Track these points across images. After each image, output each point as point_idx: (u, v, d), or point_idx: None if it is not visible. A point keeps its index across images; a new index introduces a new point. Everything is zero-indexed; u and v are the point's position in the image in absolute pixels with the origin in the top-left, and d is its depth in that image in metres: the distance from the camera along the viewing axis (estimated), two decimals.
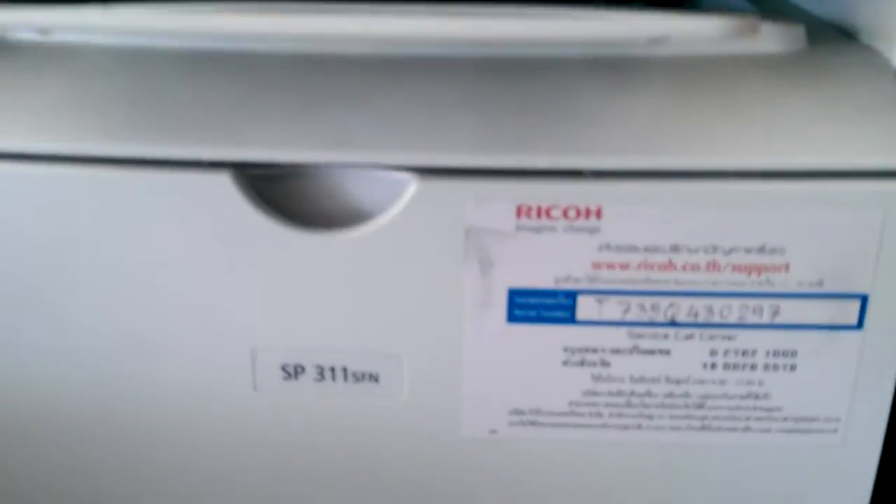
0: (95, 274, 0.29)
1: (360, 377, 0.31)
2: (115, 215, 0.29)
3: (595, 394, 0.31)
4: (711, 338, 0.30)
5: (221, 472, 0.33)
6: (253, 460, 0.32)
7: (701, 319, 0.29)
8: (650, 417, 0.31)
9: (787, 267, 0.28)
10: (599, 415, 0.31)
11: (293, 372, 0.31)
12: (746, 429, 0.31)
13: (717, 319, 0.29)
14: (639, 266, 0.29)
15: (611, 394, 0.31)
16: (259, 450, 0.32)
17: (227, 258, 0.29)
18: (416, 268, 0.29)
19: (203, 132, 0.28)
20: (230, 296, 0.30)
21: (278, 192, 0.29)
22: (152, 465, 0.33)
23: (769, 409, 0.31)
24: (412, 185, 0.28)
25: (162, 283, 0.29)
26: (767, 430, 0.31)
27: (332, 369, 0.31)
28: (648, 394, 0.31)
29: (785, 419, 0.31)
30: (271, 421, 0.32)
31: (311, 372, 0.31)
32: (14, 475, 0.33)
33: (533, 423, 0.31)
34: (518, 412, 0.31)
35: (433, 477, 0.33)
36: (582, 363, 0.30)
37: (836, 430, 0.31)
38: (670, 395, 0.31)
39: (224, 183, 0.28)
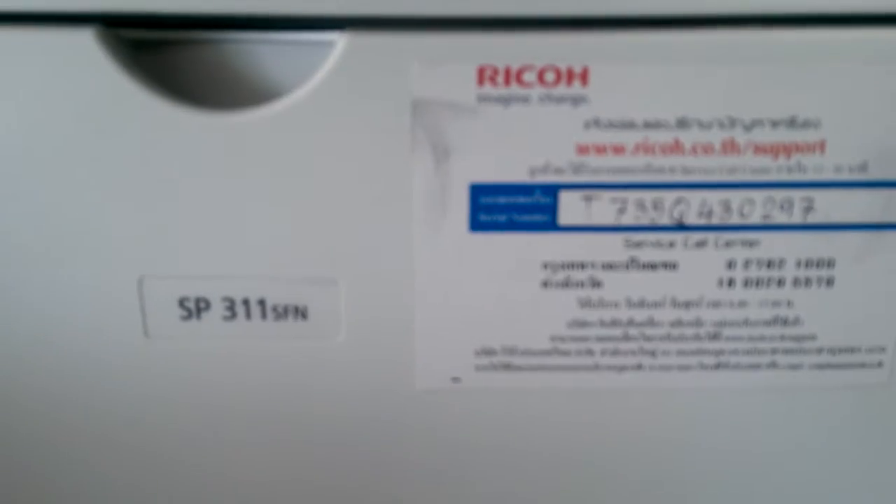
0: None
1: (282, 312, 0.24)
2: None
3: (583, 324, 0.24)
4: (728, 244, 0.23)
5: (110, 436, 0.25)
6: (146, 423, 0.25)
7: (715, 220, 0.23)
8: (652, 354, 0.24)
9: (822, 146, 0.22)
10: (589, 352, 0.24)
11: (194, 308, 0.24)
12: (772, 365, 0.25)
13: (735, 220, 0.23)
14: (636, 149, 0.22)
15: (603, 324, 0.24)
16: (154, 411, 0.25)
17: (94, 149, 0.22)
18: (347, 160, 0.22)
19: None
20: (104, 205, 0.22)
21: (164, 58, 0.22)
22: (35, 425, 0.25)
23: (799, 339, 0.24)
24: (339, 45, 0.21)
25: (10, 176, 0.22)
26: (798, 367, 0.25)
27: (246, 302, 0.24)
28: (650, 322, 0.24)
29: (819, 351, 0.25)
30: (167, 375, 0.24)
31: (217, 308, 0.24)
32: None
33: (506, 367, 0.25)
34: (487, 352, 0.24)
35: (381, 442, 0.25)
36: (566, 284, 0.24)
37: (881, 364, 0.25)
38: (678, 322, 0.24)
39: (88, 42, 0.21)
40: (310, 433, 0.25)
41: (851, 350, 0.25)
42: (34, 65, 0.21)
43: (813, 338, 0.24)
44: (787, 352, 0.25)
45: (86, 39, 0.21)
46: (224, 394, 0.25)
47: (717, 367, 0.25)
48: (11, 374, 0.24)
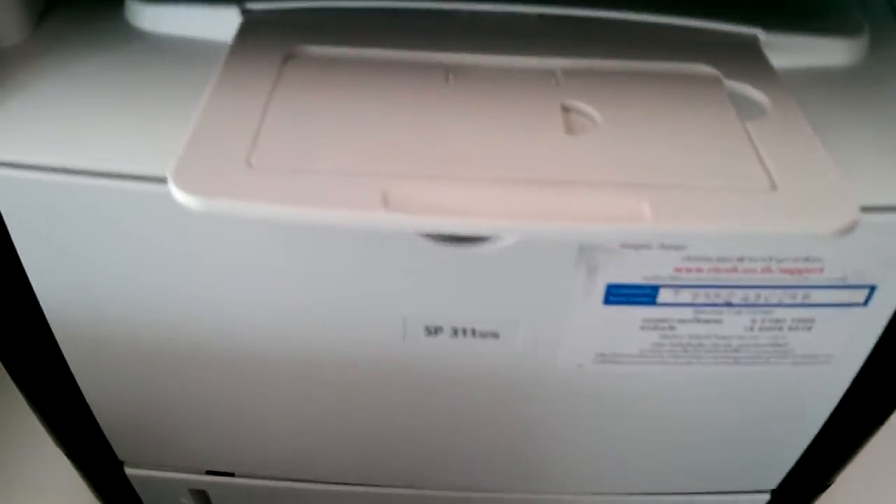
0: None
1: (484, 334, 0.40)
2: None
3: (661, 346, 0.41)
4: (754, 312, 0.39)
5: (378, 401, 0.43)
6: (401, 392, 0.43)
7: (750, 301, 0.39)
8: (699, 357, 0.42)
9: (822, 269, 0.37)
10: (662, 357, 0.41)
11: (433, 331, 0.40)
12: (767, 362, 0.42)
13: (761, 301, 0.39)
14: (710, 270, 0.37)
15: (672, 345, 0.41)
16: (405, 383, 0.43)
17: (383, 262, 0.37)
18: (534, 272, 0.37)
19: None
20: (386, 283, 0.38)
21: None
22: (328, 401, 0.43)
23: (785, 353, 0.41)
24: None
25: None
26: (780, 363, 0.42)
27: (464, 330, 0.40)
28: (700, 345, 0.41)
29: (794, 357, 0.42)
30: (415, 363, 0.42)
31: (447, 331, 0.40)
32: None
33: (612, 362, 0.42)
34: (601, 355, 0.41)
35: (536, 397, 0.44)
36: (654, 328, 0.40)
37: (829, 362, 0.42)
38: (716, 345, 0.41)
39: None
40: (496, 394, 0.43)
41: (813, 357, 0.42)
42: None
43: (793, 352, 0.41)
44: (777, 357, 0.42)
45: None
46: (446, 375, 0.42)
47: (735, 363, 0.42)
48: (323, 369, 0.41)
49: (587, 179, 0.28)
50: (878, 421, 0.48)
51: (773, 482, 0.52)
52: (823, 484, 0.53)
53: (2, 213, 0.37)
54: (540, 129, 0.31)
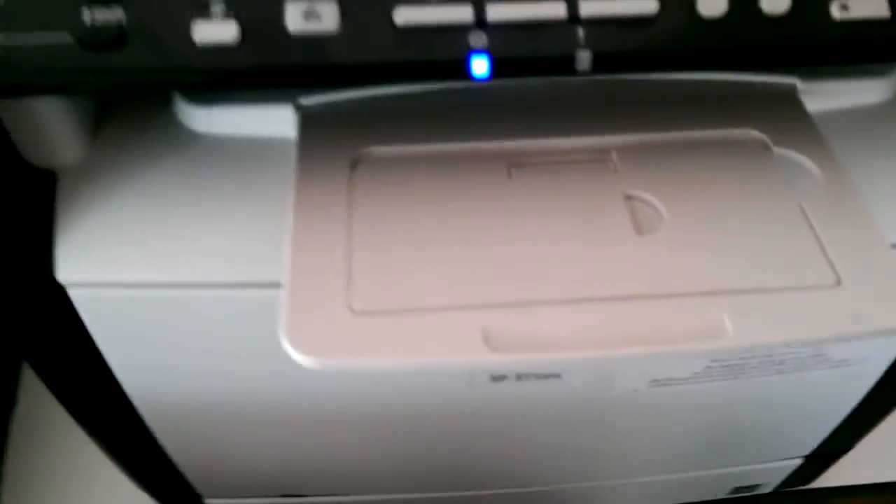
0: None
1: (546, 377, 0.43)
2: None
3: (711, 368, 0.44)
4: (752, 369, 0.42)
5: (440, 434, 0.46)
6: (462, 425, 0.46)
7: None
8: (746, 373, 0.45)
9: None
10: (711, 376, 0.45)
11: (499, 378, 0.43)
12: (806, 369, 0.45)
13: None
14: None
15: (722, 367, 0.44)
16: (467, 421, 0.46)
17: None
18: None
19: None
20: None
21: None
22: (394, 438, 0.46)
23: (823, 361, 0.45)
24: None
25: None
26: (819, 369, 0.45)
27: (527, 374, 0.43)
28: (747, 364, 0.44)
29: (831, 363, 0.45)
30: (478, 404, 0.44)
31: (511, 377, 0.43)
32: None
33: (665, 385, 0.45)
34: (655, 381, 0.44)
35: (591, 416, 0.47)
36: (705, 355, 0.43)
37: (864, 363, 0.46)
38: (762, 363, 0.44)
39: None
40: (560, 419, 0.46)
41: (849, 360, 0.45)
42: None
43: (831, 360, 0.45)
44: (816, 365, 0.45)
45: None
46: (514, 408, 0.45)
47: (777, 373, 0.45)
48: (400, 418, 0.44)
49: (666, 291, 0.30)
50: None
51: (808, 449, 0.56)
52: (849, 447, 0.58)
53: (86, 323, 0.38)
54: (610, 230, 0.32)
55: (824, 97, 0.38)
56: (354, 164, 0.35)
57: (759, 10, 0.29)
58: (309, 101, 0.37)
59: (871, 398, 0.50)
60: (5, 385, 0.74)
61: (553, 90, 0.37)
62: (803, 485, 0.63)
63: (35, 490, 0.69)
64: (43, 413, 0.72)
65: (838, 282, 0.31)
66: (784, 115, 0.37)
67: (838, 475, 0.63)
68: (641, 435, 0.52)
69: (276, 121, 0.37)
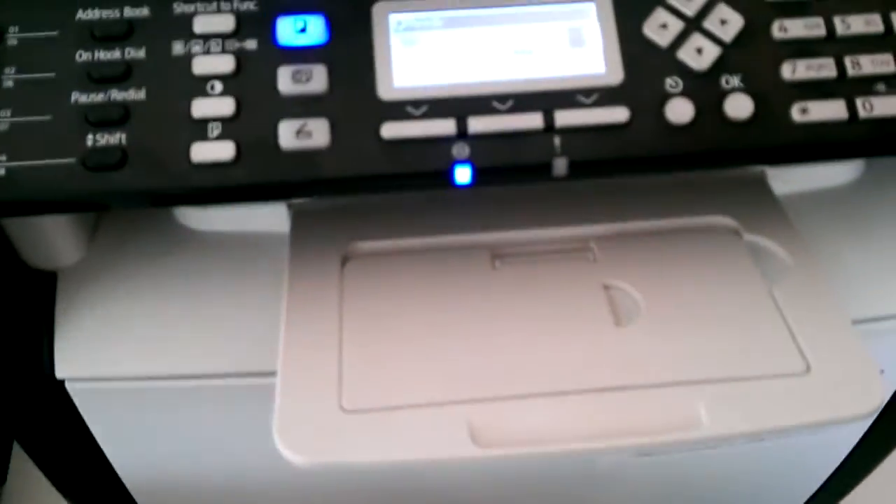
0: None
1: None
2: None
3: None
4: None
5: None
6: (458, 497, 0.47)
7: None
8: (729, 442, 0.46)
9: None
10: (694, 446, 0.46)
11: None
12: None
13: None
14: None
15: None
16: (462, 489, 0.46)
17: None
18: None
19: None
20: None
21: None
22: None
23: None
24: None
25: None
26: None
27: None
28: None
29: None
30: (471, 472, 0.45)
31: None
32: None
33: (649, 454, 0.46)
34: (640, 453, 0.46)
35: (584, 484, 0.48)
36: None
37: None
38: None
39: None
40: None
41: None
42: None
43: None
44: None
45: None
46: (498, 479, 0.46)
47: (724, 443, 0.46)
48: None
49: (644, 382, 0.32)
50: None
51: (800, 500, 0.57)
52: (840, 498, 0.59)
53: (83, 415, 0.39)
54: (590, 321, 0.34)
55: (791, 180, 0.40)
56: (344, 260, 0.36)
57: (724, 116, 0.31)
58: (300, 200, 0.39)
59: (853, 456, 0.51)
60: None
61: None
62: None
63: None
64: (34, 485, 0.72)
65: (808, 368, 0.32)
66: (753, 201, 0.38)
67: None
68: (630, 499, 0.53)
69: (269, 218, 0.38)
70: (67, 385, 0.37)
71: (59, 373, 0.37)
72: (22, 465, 0.75)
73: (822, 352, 0.32)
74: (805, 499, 0.56)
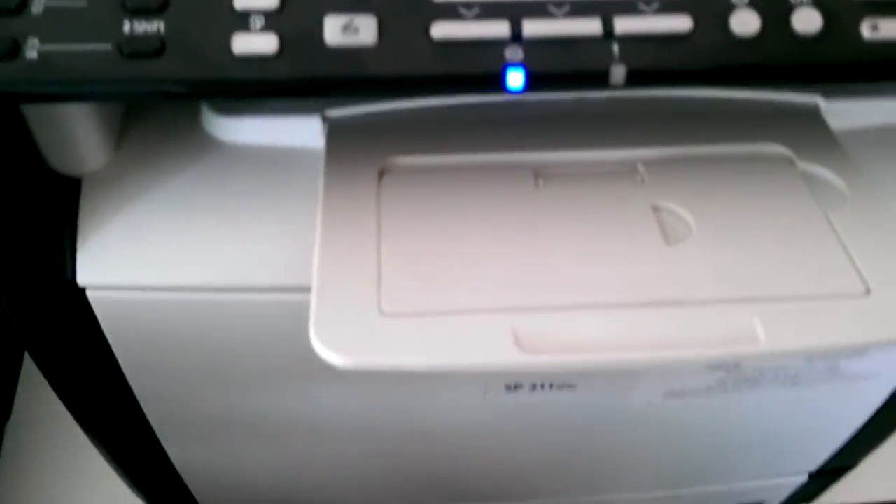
0: None
1: (561, 387, 0.43)
2: None
3: (725, 380, 0.44)
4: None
5: (456, 450, 0.47)
6: (476, 443, 0.46)
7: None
8: (760, 385, 0.45)
9: None
10: (725, 388, 0.45)
11: (514, 387, 0.43)
12: (820, 382, 0.46)
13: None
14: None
15: (736, 379, 0.44)
16: (481, 435, 0.46)
17: None
18: None
19: None
20: None
21: None
22: (402, 449, 0.46)
23: (837, 374, 0.45)
24: None
25: None
26: (832, 382, 0.46)
27: (542, 384, 0.43)
28: (762, 377, 0.44)
29: (845, 377, 0.45)
30: (491, 412, 0.44)
31: (526, 387, 0.43)
32: None
33: (679, 397, 0.45)
34: (670, 392, 0.45)
35: (603, 426, 0.47)
36: (720, 367, 0.43)
37: (877, 377, 0.46)
38: (776, 376, 0.44)
39: None
40: (576, 427, 0.46)
41: (863, 374, 0.45)
42: None
43: (844, 374, 0.45)
44: (830, 378, 0.45)
45: None
46: (528, 418, 0.45)
47: (792, 385, 0.45)
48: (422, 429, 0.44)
49: (697, 298, 0.30)
50: None
51: (813, 466, 0.56)
52: (854, 464, 0.58)
53: (102, 326, 0.38)
54: (638, 239, 0.32)
55: (845, 116, 0.39)
56: (382, 174, 0.35)
57: (791, 30, 0.30)
58: (336, 112, 0.37)
59: (878, 416, 0.50)
60: (2, 393, 0.73)
61: (579, 104, 0.37)
62: (807, 502, 0.64)
63: (27, 494, 0.69)
64: (38, 421, 0.72)
65: (867, 291, 0.31)
66: (808, 133, 0.37)
67: (842, 493, 0.63)
68: (648, 449, 0.53)
69: (302, 131, 0.37)
70: (88, 293, 0.36)
71: (81, 279, 0.36)
72: (26, 402, 0.75)
73: (881, 275, 0.31)
74: (827, 456, 0.56)
